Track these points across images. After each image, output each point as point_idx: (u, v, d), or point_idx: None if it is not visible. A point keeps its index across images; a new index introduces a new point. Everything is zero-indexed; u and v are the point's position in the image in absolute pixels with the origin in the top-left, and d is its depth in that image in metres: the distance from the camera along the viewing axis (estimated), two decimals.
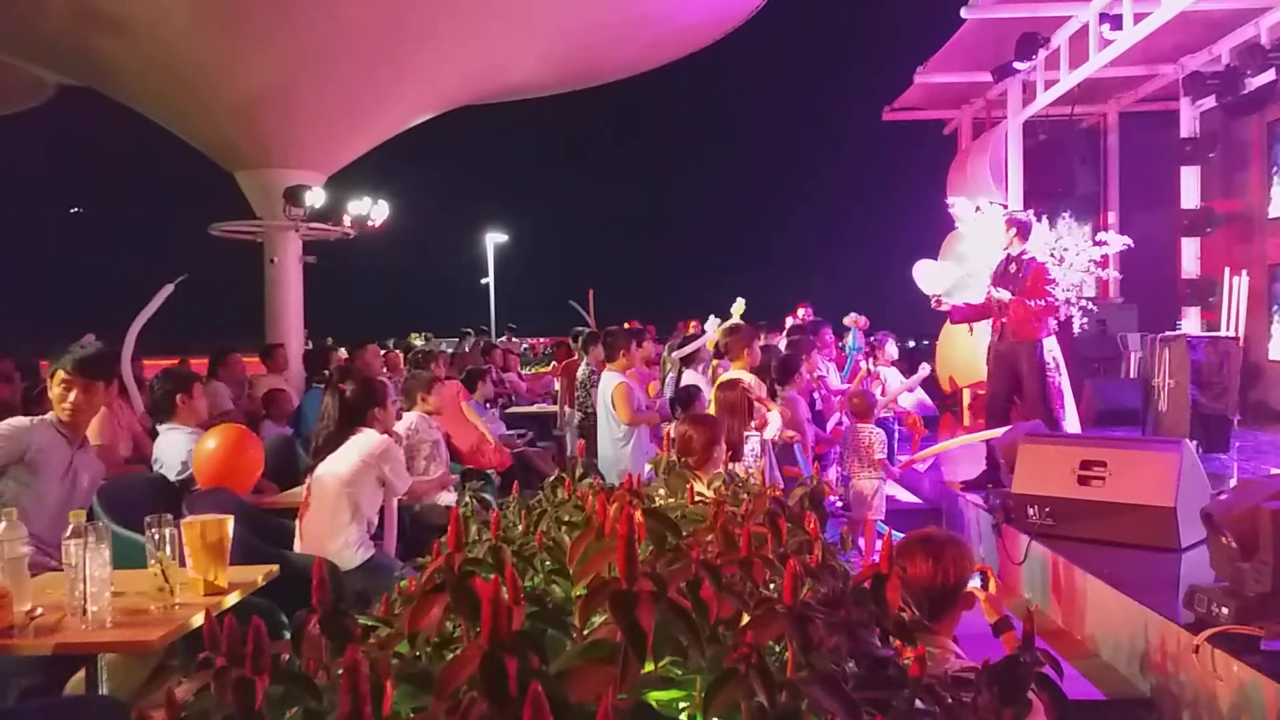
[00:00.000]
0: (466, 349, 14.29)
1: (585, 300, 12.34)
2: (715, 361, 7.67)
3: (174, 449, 4.99)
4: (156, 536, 3.02)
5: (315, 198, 11.42)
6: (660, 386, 8.57)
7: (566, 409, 9.14)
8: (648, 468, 2.67)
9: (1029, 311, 6.81)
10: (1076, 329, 10.46)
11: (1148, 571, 4.66)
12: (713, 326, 7.94)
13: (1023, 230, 7.12)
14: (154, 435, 5.35)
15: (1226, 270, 9.50)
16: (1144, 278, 12.33)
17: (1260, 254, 11.77)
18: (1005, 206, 11.01)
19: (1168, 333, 9.00)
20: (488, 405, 9.14)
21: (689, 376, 7.51)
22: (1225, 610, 3.46)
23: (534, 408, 11.01)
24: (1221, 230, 11.69)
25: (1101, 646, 4.56)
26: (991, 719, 1.08)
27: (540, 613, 1.16)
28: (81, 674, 3.06)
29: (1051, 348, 6.91)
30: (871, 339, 9.41)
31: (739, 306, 8.01)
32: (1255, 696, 3.22)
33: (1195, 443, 6.69)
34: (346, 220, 12.39)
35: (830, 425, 7.54)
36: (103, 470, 4.15)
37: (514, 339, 17.23)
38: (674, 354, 8.11)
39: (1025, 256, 6.98)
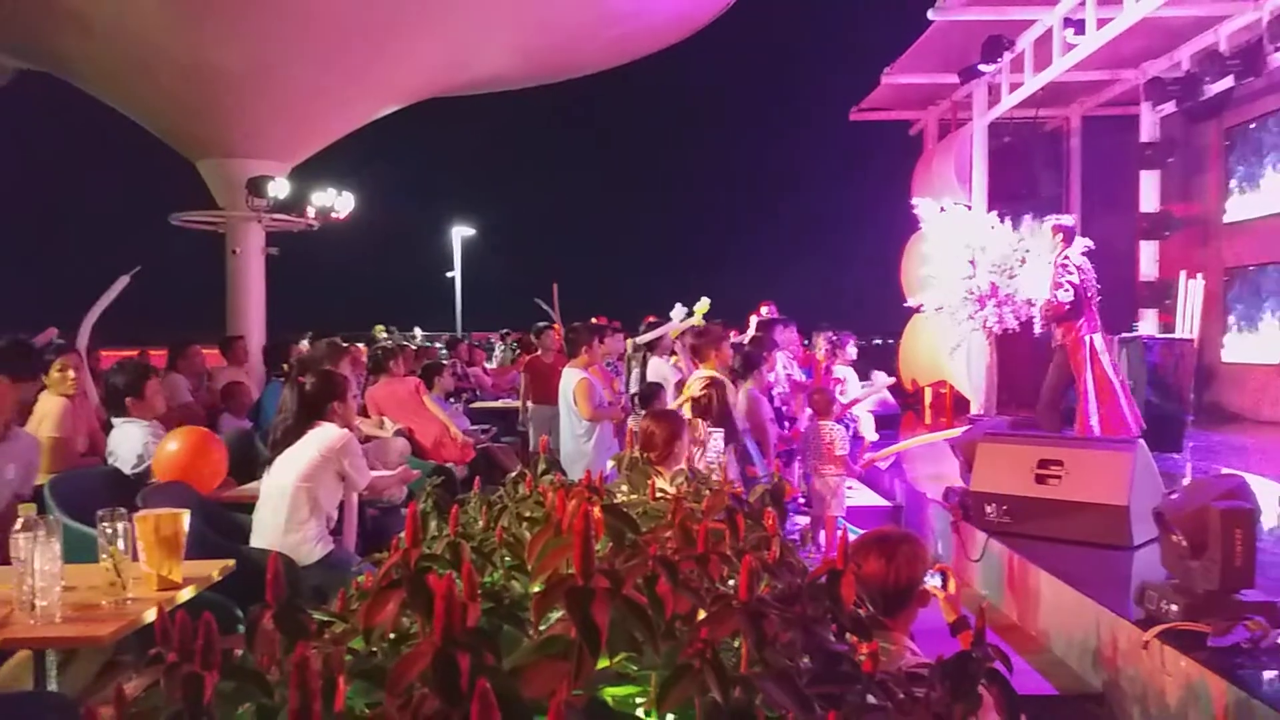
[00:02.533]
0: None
1: (550, 295, 12.28)
2: (675, 356, 7.64)
3: (129, 442, 4.90)
4: (109, 530, 2.96)
5: (278, 189, 11.30)
6: (626, 380, 8.54)
7: (529, 404, 9.10)
8: (610, 464, 2.67)
9: (1056, 312, 7.39)
10: (1037, 329, 10.60)
11: (1101, 569, 4.74)
12: (678, 315, 7.90)
13: (1068, 235, 7.59)
14: (109, 428, 5.25)
15: (1183, 273, 9.66)
16: (1103, 279, 12.46)
17: (1216, 258, 12.00)
18: (969, 208, 11.13)
19: (1125, 334, 9.16)
20: (450, 400, 9.08)
21: (654, 365, 7.47)
22: (1175, 607, 3.53)
23: (498, 403, 10.97)
24: (1179, 234, 11.90)
25: (1054, 642, 4.63)
26: (943, 714, 1.09)
27: (496, 609, 1.16)
28: (10, 662, 3.00)
29: (1097, 345, 7.25)
30: (833, 339, 9.45)
31: (703, 306, 7.99)
32: (1203, 692, 3.29)
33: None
34: (310, 212, 12.26)
35: (790, 427, 7.55)
36: (35, 460, 4.05)
37: (508, 341, 17.05)
38: (637, 340, 8.07)
39: (1060, 261, 7.45)
